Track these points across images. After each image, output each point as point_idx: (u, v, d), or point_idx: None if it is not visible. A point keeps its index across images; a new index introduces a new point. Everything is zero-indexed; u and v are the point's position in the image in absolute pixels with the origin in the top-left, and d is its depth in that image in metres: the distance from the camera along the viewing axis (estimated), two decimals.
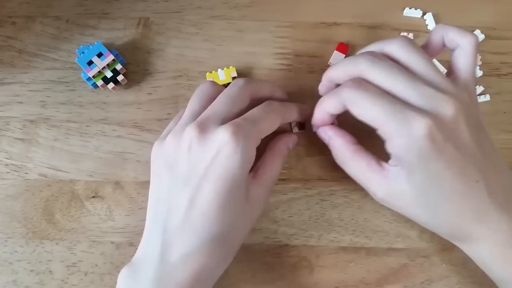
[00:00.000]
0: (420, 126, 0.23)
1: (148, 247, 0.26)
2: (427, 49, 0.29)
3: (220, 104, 0.27)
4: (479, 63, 0.36)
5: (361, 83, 0.26)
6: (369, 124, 0.26)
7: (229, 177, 0.25)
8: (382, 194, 0.27)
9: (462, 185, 0.25)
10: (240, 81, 0.29)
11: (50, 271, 0.31)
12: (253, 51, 0.37)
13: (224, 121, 0.26)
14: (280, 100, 0.30)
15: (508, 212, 0.25)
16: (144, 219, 0.32)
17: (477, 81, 0.36)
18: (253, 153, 0.26)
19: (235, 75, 0.35)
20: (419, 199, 0.26)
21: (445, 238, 0.28)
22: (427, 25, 0.38)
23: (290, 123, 0.34)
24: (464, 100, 0.25)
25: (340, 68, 0.28)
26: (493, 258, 0.26)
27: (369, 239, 0.32)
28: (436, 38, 0.28)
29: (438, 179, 0.25)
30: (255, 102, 0.29)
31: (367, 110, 0.25)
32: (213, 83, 0.30)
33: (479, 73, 0.36)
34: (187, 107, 0.29)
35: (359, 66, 0.26)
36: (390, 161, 0.27)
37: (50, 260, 0.31)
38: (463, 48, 0.27)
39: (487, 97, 0.35)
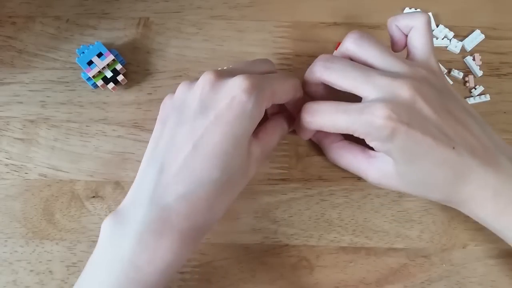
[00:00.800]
0: (379, 120, 0.25)
1: (139, 190, 0.25)
2: (392, 45, 0.31)
3: (238, 65, 0.28)
4: (479, 63, 0.36)
5: (315, 109, 0.27)
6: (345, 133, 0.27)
7: (238, 127, 0.24)
8: (373, 178, 0.29)
9: (439, 155, 0.25)
10: (267, 60, 0.30)
11: (50, 271, 0.31)
12: (253, 51, 0.37)
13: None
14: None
15: (493, 167, 0.26)
16: None
17: (477, 81, 0.36)
18: (263, 109, 0.26)
19: None
20: (406, 177, 0.27)
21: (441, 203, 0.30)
22: None
23: None
24: (421, 76, 0.26)
25: (305, 83, 0.30)
26: (486, 215, 0.27)
27: (369, 239, 0.32)
28: (393, 31, 0.30)
29: (415, 157, 0.26)
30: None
31: (335, 127, 0.27)
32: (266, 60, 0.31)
33: (479, 73, 0.36)
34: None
35: (315, 75, 0.28)
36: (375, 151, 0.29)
37: (50, 260, 0.31)
38: (416, 27, 0.29)
39: (487, 97, 0.35)
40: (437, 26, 0.37)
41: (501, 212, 0.26)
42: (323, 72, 0.28)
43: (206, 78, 0.25)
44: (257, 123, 0.26)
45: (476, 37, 0.37)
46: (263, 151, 0.28)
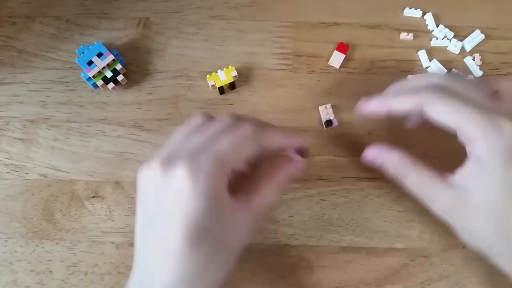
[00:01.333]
0: (510, 132, 0.24)
1: (135, 282, 0.26)
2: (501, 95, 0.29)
3: (202, 137, 0.25)
4: (479, 63, 0.36)
5: (444, 88, 0.26)
6: (447, 127, 0.26)
7: (194, 218, 0.23)
8: (445, 205, 0.26)
9: None
10: (248, 128, 0.25)
11: (50, 271, 0.31)
12: (253, 51, 0.37)
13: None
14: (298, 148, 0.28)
15: None
16: None
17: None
18: (218, 189, 0.24)
19: (236, 74, 0.35)
20: (489, 209, 0.24)
21: (500, 266, 0.27)
22: (427, 25, 0.38)
23: (320, 117, 0.34)
24: None
25: (401, 99, 0.27)
26: None
27: (369, 239, 0.32)
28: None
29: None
30: None
31: (452, 112, 0.25)
32: (205, 113, 0.27)
33: (479, 73, 0.36)
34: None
35: (421, 97, 0.26)
36: (458, 171, 0.26)
37: (50, 260, 0.31)
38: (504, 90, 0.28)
39: None
40: (437, 26, 0.37)
41: None
42: (433, 100, 0.26)
43: (154, 170, 0.24)
44: (220, 200, 0.24)
45: (475, 37, 0.37)
46: (253, 216, 0.25)
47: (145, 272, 0.25)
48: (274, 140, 0.26)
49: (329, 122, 0.34)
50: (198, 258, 0.24)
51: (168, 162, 0.24)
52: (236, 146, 0.24)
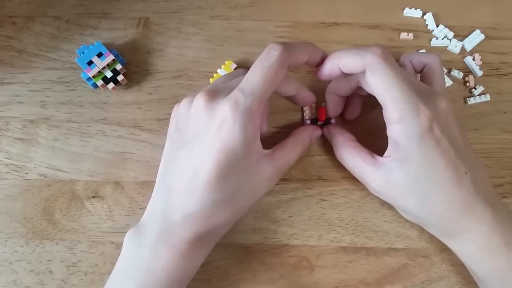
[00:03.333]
0: (426, 117, 0.25)
1: (153, 207, 0.28)
2: None
3: (246, 75, 0.27)
4: (479, 63, 0.36)
5: (389, 56, 0.27)
6: (377, 98, 0.27)
7: (229, 151, 0.25)
8: (376, 184, 0.29)
9: (452, 174, 0.26)
10: (275, 53, 0.26)
11: (50, 271, 0.31)
12: (253, 51, 0.37)
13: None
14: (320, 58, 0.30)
15: (491, 205, 0.26)
16: None
17: (477, 81, 0.36)
18: (254, 126, 0.26)
19: (235, 65, 0.35)
20: (411, 188, 0.27)
21: (433, 234, 0.29)
22: (427, 25, 0.38)
23: (303, 116, 0.34)
24: (448, 101, 0.27)
25: (348, 55, 0.28)
26: (478, 250, 0.27)
27: (369, 239, 0.32)
28: (405, 65, 0.32)
29: (431, 168, 0.26)
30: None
31: (387, 87, 0.26)
32: (283, 49, 0.27)
33: (479, 73, 0.36)
34: (246, 75, 0.27)
35: (367, 57, 0.27)
36: (385, 154, 0.28)
37: (50, 260, 0.31)
38: (430, 65, 0.30)
39: (487, 97, 0.35)
40: (437, 26, 0.37)
41: (493, 251, 0.26)
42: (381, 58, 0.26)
43: (198, 102, 0.27)
44: (252, 141, 0.26)
45: (476, 37, 0.37)
46: (276, 168, 0.28)
47: (167, 194, 0.27)
48: (300, 56, 0.28)
49: (327, 121, 0.34)
50: (224, 190, 0.26)
51: (213, 96, 0.26)
52: (267, 75, 0.26)
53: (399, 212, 0.30)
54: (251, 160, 0.27)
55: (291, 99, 0.32)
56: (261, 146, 0.28)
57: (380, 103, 0.27)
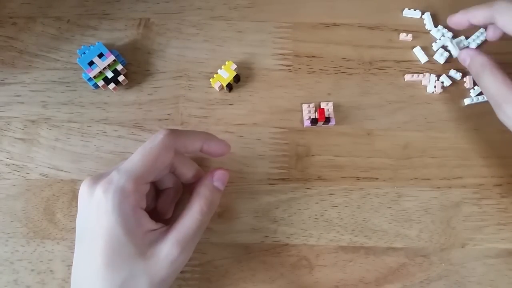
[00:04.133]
0: None
1: None
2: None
3: (130, 158, 0.25)
4: None
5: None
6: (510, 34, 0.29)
7: (109, 236, 0.24)
8: (510, 108, 0.28)
9: None
10: (161, 133, 0.26)
11: (51, 271, 0.31)
12: (253, 52, 0.37)
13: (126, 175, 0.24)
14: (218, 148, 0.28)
15: None
16: None
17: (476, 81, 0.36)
18: (131, 206, 0.24)
19: (235, 66, 0.35)
20: None
21: None
22: (425, 24, 0.38)
23: (302, 116, 0.34)
24: None
25: (477, 8, 0.32)
26: None
27: (368, 238, 0.32)
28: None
29: None
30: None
31: None
32: (168, 134, 0.26)
33: None
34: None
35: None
36: None
37: (51, 260, 0.32)
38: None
39: (485, 98, 0.35)
40: (436, 26, 0.38)
41: None
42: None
43: (81, 190, 0.25)
44: (135, 220, 0.24)
45: (480, 36, 0.37)
46: (177, 245, 0.25)
47: (77, 286, 0.26)
48: (190, 142, 0.27)
49: (326, 120, 0.34)
50: (114, 279, 0.24)
51: (95, 180, 0.25)
52: (146, 155, 0.25)
53: None
54: (140, 242, 0.24)
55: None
56: (154, 226, 0.25)
57: None
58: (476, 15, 0.32)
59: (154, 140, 0.25)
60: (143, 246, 0.24)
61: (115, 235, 0.24)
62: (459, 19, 0.33)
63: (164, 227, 0.26)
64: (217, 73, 0.35)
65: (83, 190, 0.25)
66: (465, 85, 0.36)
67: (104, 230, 0.24)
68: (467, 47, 0.35)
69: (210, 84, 0.36)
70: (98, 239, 0.24)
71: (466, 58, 0.33)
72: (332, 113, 0.35)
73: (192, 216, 0.26)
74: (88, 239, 0.25)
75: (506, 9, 0.29)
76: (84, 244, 0.25)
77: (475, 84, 0.36)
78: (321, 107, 0.34)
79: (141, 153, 0.25)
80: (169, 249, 0.25)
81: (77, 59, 0.35)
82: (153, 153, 0.25)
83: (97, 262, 0.24)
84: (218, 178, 0.28)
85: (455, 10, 0.38)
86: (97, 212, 0.24)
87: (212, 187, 0.27)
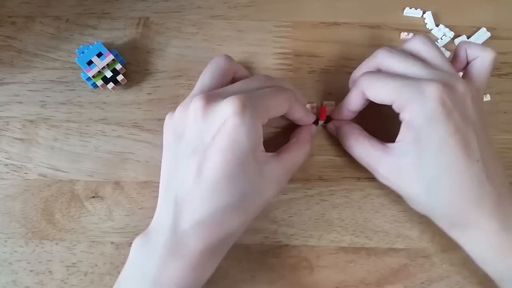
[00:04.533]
0: (431, 88, 0.25)
1: (160, 217, 0.27)
2: (454, 63, 0.31)
3: (235, 87, 0.28)
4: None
5: (375, 71, 0.29)
6: (385, 103, 0.28)
7: (237, 148, 0.25)
8: (384, 170, 0.29)
9: (463, 158, 0.25)
10: (262, 76, 0.29)
11: (49, 271, 0.31)
12: (253, 51, 0.37)
13: (228, 94, 0.26)
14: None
15: (504, 200, 0.26)
16: (144, 219, 0.32)
17: None
18: (259, 128, 0.26)
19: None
20: (420, 171, 0.26)
21: (441, 227, 0.28)
22: (426, 23, 0.38)
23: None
24: (473, 88, 0.28)
25: (361, 66, 0.31)
26: (491, 250, 0.26)
27: (369, 239, 0.32)
28: (459, 52, 0.31)
29: (441, 148, 0.26)
30: None
31: (382, 89, 0.28)
32: (227, 57, 0.30)
33: None
34: (198, 80, 0.30)
35: (377, 57, 0.30)
36: (396, 140, 0.28)
37: (50, 260, 0.31)
38: (483, 58, 0.29)
39: (487, 97, 0.35)
40: (437, 25, 0.37)
41: (506, 252, 0.25)
42: (386, 55, 0.29)
43: (196, 106, 0.26)
44: (258, 141, 0.26)
45: (482, 35, 0.37)
46: (284, 168, 0.28)
47: (174, 204, 0.25)
48: (298, 113, 0.30)
49: (328, 119, 0.34)
50: (233, 192, 0.25)
51: (211, 98, 0.26)
52: (279, 102, 0.28)
53: (407, 202, 0.29)
54: (259, 160, 0.26)
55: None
56: (264, 150, 0.27)
57: (391, 106, 0.28)
58: (350, 100, 0.31)
59: (286, 95, 0.28)
60: (260, 165, 0.26)
61: (243, 150, 0.25)
62: (341, 113, 0.32)
63: (271, 153, 0.28)
64: None
65: (197, 105, 0.26)
66: None
67: (234, 142, 0.24)
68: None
69: None
70: (224, 150, 0.24)
71: (332, 128, 0.33)
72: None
73: (299, 153, 0.29)
74: (208, 150, 0.25)
75: (370, 84, 0.29)
76: (198, 156, 0.25)
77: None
78: (326, 107, 0.34)
79: (275, 97, 0.27)
80: (280, 173, 0.27)
81: (76, 59, 0.35)
82: (282, 105, 0.28)
83: (217, 173, 0.24)
84: (313, 132, 0.32)
85: (455, 9, 0.38)
86: (226, 123, 0.25)
87: (311, 137, 0.32)
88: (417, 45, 0.29)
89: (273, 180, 0.27)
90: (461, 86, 0.26)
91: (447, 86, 0.26)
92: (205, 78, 0.29)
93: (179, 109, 0.28)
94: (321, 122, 0.34)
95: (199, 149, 0.25)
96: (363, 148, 0.30)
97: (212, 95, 0.26)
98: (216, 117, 0.25)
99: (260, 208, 0.27)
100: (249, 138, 0.25)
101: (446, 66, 0.28)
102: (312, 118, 0.32)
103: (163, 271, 0.25)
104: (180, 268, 0.25)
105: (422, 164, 0.26)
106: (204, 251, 0.25)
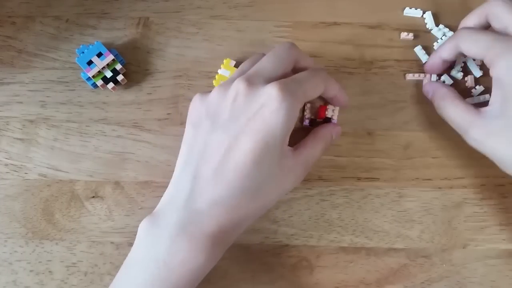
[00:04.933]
0: None
1: (174, 194, 0.26)
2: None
3: (268, 63, 0.28)
4: (479, 62, 0.36)
5: (471, 28, 0.31)
6: (477, 57, 0.30)
7: (269, 133, 0.25)
8: (475, 132, 0.29)
9: None
10: (287, 44, 0.29)
11: (50, 271, 0.31)
12: (253, 51, 0.37)
13: (270, 79, 0.26)
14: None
15: None
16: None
17: (477, 81, 0.36)
18: (296, 113, 0.26)
19: (234, 62, 0.35)
20: (511, 133, 0.27)
21: None
22: (426, 23, 0.38)
23: (303, 115, 0.34)
24: None
25: (471, 15, 0.32)
26: None
27: (369, 239, 0.32)
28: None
29: None
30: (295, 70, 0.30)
31: (475, 43, 0.29)
32: (291, 46, 0.30)
33: (479, 73, 0.36)
34: (238, 68, 0.30)
35: (490, 4, 0.30)
36: (489, 101, 0.29)
37: (50, 260, 0.31)
38: (491, 14, 0.31)
39: (487, 97, 0.35)
40: (437, 25, 0.37)
41: None
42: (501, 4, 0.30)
43: (239, 87, 0.26)
44: (291, 127, 0.26)
45: None
46: (301, 164, 0.28)
47: (192, 181, 0.25)
48: (334, 90, 0.31)
49: (327, 120, 0.34)
50: (255, 178, 0.25)
51: (256, 82, 0.26)
52: (316, 83, 0.28)
53: (499, 165, 0.29)
54: (283, 151, 0.26)
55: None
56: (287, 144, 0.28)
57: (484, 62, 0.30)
58: (444, 49, 0.32)
59: (321, 76, 0.29)
60: (282, 156, 0.26)
61: (275, 136, 0.25)
62: (433, 61, 0.34)
63: (291, 148, 0.28)
64: (218, 73, 0.35)
65: (240, 85, 0.26)
66: (466, 84, 0.36)
67: (268, 127, 0.25)
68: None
69: (210, 83, 0.35)
70: (256, 132, 0.25)
71: (429, 90, 0.33)
72: (336, 115, 0.34)
73: (317, 149, 0.30)
74: (240, 129, 0.25)
75: (467, 35, 0.30)
76: (230, 133, 0.25)
77: (476, 83, 0.36)
78: (327, 107, 0.34)
79: (313, 81, 0.28)
80: (298, 167, 0.28)
81: (76, 59, 0.35)
82: (317, 87, 0.28)
83: (245, 155, 0.24)
84: (336, 132, 0.32)
85: (455, 9, 0.38)
86: (262, 107, 0.25)
87: (331, 136, 0.32)
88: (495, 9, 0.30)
89: (291, 174, 0.27)
90: None
91: None
92: (245, 65, 0.29)
93: (217, 89, 0.28)
94: (319, 121, 0.34)
95: (232, 129, 0.25)
96: (458, 111, 0.30)
97: (253, 77, 0.26)
98: (255, 101, 0.25)
99: (276, 199, 0.27)
100: (283, 125, 0.25)
101: None
102: (346, 97, 0.32)
103: (173, 253, 0.24)
104: (190, 250, 0.24)
105: None
106: (216, 234, 0.25)
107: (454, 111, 0.30)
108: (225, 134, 0.25)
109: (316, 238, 0.32)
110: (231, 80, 0.28)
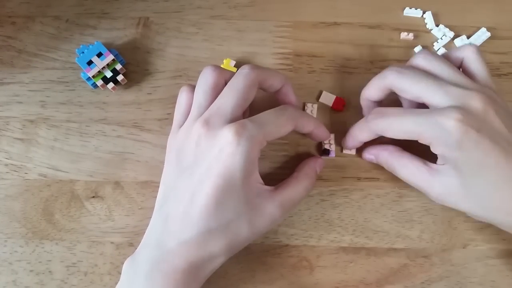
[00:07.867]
0: (450, 122, 0.25)
1: (149, 235, 0.28)
2: None
3: (227, 97, 0.28)
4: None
5: (383, 111, 0.29)
6: (410, 139, 0.28)
7: (228, 176, 0.25)
8: (435, 193, 0.29)
9: (508, 169, 0.25)
10: (244, 71, 0.28)
11: (49, 271, 0.31)
12: (253, 51, 0.37)
13: (231, 115, 0.27)
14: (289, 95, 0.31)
15: None
16: (144, 219, 0.32)
17: None
18: (254, 155, 0.26)
19: (234, 62, 0.35)
20: (470, 191, 0.27)
21: (506, 231, 0.28)
22: (426, 23, 0.38)
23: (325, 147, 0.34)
24: (489, 94, 0.27)
25: (371, 86, 0.31)
26: None
27: (369, 239, 0.32)
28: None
29: (482, 169, 0.26)
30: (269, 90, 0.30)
31: (401, 129, 0.28)
32: (214, 68, 0.29)
33: None
34: (193, 99, 0.29)
35: (387, 78, 0.29)
36: (438, 161, 0.28)
37: (50, 260, 0.31)
38: (467, 57, 0.30)
39: None
40: (437, 25, 0.37)
41: None
42: (396, 76, 0.28)
43: (200, 131, 0.27)
44: (250, 171, 0.26)
45: (481, 35, 0.37)
46: (279, 206, 0.27)
47: (164, 222, 0.27)
48: (309, 127, 0.30)
49: (325, 151, 0.34)
50: (220, 219, 0.26)
51: (215, 124, 0.26)
52: (281, 123, 0.27)
53: (467, 214, 0.29)
54: (251, 191, 0.26)
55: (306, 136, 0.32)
56: (262, 181, 0.27)
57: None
58: (359, 137, 0.31)
59: (287, 113, 0.28)
60: (251, 196, 0.26)
61: (234, 178, 0.25)
62: (352, 144, 0.32)
63: (269, 186, 0.28)
64: None
65: (199, 129, 0.26)
66: None
67: (226, 170, 0.25)
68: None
69: None
70: (216, 175, 0.25)
71: (371, 157, 0.32)
72: (334, 145, 0.34)
73: (298, 189, 0.29)
74: (202, 174, 0.26)
75: (386, 124, 0.28)
76: (194, 177, 0.26)
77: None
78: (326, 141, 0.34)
79: (275, 117, 0.27)
80: (274, 209, 0.27)
81: (76, 59, 0.35)
82: (284, 126, 0.28)
83: (207, 198, 0.25)
84: (319, 165, 0.32)
85: (455, 9, 0.38)
86: (220, 151, 0.25)
87: (315, 171, 0.31)
88: (421, 62, 0.29)
89: (265, 214, 0.27)
90: (478, 103, 0.26)
91: (464, 110, 0.25)
92: (199, 98, 0.29)
93: (182, 131, 0.29)
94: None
95: (196, 173, 0.26)
96: (409, 172, 0.30)
97: (214, 120, 0.27)
98: (214, 145, 0.26)
99: (248, 238, 0.27)
100: (241, 167, 0.25)
101: (454, 75, 0.28)
102: (325, 132, 0.31)
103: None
104: (163, 285, 0.25)
105: (469, 184, 0.27)
106: (187, 270, 0.26)
107: (405, 173, 0.30)
108: (190, 179, 0.26)
109: (316, 238, 0.32)
110: (192, 120, 0.28)
